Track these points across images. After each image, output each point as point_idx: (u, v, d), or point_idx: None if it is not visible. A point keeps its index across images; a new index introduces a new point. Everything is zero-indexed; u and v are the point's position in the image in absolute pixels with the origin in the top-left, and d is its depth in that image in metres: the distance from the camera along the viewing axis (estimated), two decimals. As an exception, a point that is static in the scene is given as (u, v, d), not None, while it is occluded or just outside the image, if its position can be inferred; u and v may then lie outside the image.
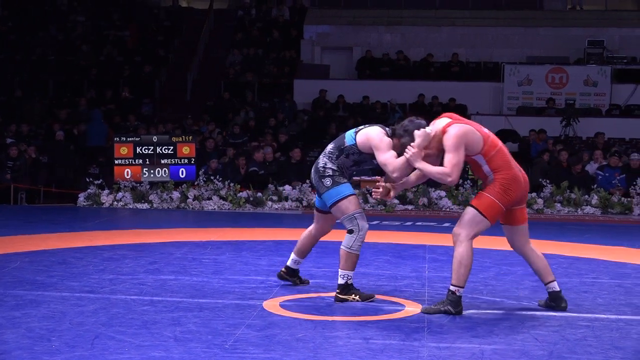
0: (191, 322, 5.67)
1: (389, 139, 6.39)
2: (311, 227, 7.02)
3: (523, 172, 6.19)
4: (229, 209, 14.28)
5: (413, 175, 6.45)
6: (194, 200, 14.52)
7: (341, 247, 6.46)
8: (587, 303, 6.63)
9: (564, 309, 6.19)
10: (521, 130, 19.43)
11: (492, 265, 8.52)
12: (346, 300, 6.43)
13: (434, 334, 5.50)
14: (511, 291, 7.07)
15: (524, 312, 6.21)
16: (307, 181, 14.50)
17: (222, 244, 9.74)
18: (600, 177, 15.40)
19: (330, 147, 6.66)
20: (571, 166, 15.79)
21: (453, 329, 5.63)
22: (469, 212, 6.08)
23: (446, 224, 12.46)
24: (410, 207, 14.34)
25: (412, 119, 6.43)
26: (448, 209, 14.44)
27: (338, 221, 6.67)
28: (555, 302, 6.26)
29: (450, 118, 6.21)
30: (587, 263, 8.82)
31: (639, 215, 14.11)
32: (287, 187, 14.66)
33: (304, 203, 14.37)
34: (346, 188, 6.48)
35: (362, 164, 6.63)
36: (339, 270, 6.47)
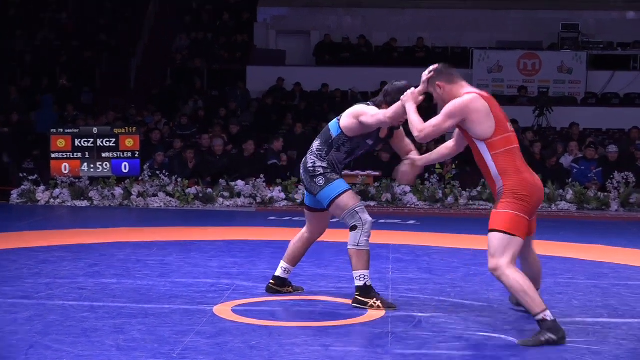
0: (135, 330, 5.63)
1: (373, 106, 6.47)
2: (303, 230, 6.92)
3: (538, 178, 5.83)
4: (176, 206, 14.22)
5: (434, 154, 6.55)
6: (138, 197, 14.43)
7: (348, 246, 6.43)
8: (562, 305, 6.69)
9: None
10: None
11: (460, 265, 8.56)
12: (366, 304, 6.37)
13: (399, 340, 5.51)
14: (481, 293, 7.11)
15: (494, 316, 6.25)
16: (262, 176, 14.49)
17: (169, 245, 9.69)
18: (575, 170, 15.54)
19: (316, 143, 6.65)
20: (545, 159, 15.92)
21: (419, 334, 5.65)
22: (493, 238, 5.67)
23: (411, 222, 12.50)
24: (372, 203, 14.35)
25: (390, 82, 6.49)
26: (413, 205, 14.48)
27: (337, 219, 6.63)
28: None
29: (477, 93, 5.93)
30: (562, 262, 8.89)
31: (616, 211, 14.26)
32: (240, 183, 14.62)
33: (258, 199, 14.35)
34: (341, 184, 6.50)
35: (356, 151, 6.65)
36: (353, 272, 6.44)
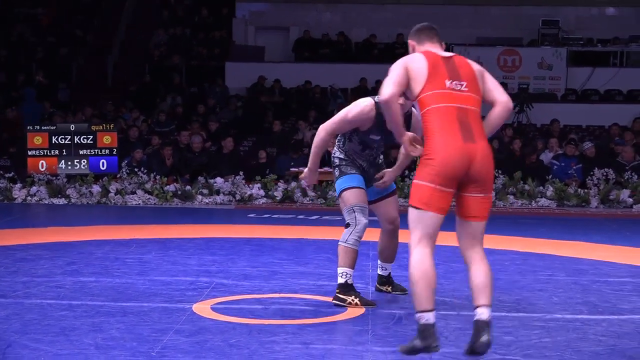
0: (114, 328, 5.63)
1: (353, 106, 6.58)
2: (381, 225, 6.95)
3: (463, 142, 4.92)
4: (154, 203, 14.19)
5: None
6: (116, 194, 14.39)
7: (338, 242, 6.50)
8: (542, 302, 6.73)
9: (479, 350, 4.94)
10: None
11: (440, 262, 8.56)
12: (344, 301, 6.42)
13: (379, 337, 5.54)
14: (461, 290, 7.14)
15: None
16: (241, 173, 14.48)
17: (148, 242, 9.68)
18: (555, 167, 15.61)
19: (339, 134, 6.74)
20: (525, 156, 15.99)
21: (399, 332, 5.67)
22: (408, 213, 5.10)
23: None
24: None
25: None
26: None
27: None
28: (474, 333, 4.99)
29: None
30: (542, 259, 8.94)
31: (596, 207, 14.34)
32: (219, 180, 14.60)
33: (237, 197, 14.35)
34: (350, 179, 6.53)
35: (369, 144, 6.62)
36: (338, 267, 6.50)
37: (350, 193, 6.49)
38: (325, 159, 10.21)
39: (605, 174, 14.67)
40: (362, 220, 6.45)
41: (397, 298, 6.81)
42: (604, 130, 19.33)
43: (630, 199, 14.37)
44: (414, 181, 4.99)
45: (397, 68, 5.20)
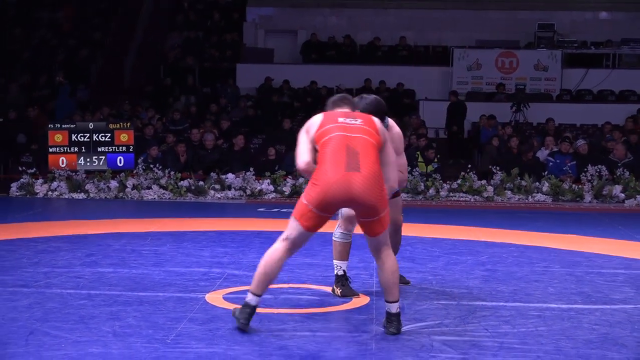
0: (131, 317, 5.63)
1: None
2: None
3: (345, 177, 5.18)
4: (169, 198, 14.20)
5: None
6: (132, 189, 14.40)
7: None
8: (538, 292, 6.72)
9: (392, 334, 5.30)
10: (471, 116, 19.59)
11: (441, 254, 8.58)
12: (333, 291, 6.51)
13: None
14: (461, 281, 7.13)
15: (474, 303, 6.27)
16: (251, 169, 14.48)
17: (163, 235, 9.68)
18: (551, 163, 15.58)
19: None
20: (522, 154, 15.96)
21: (402, 320, 5.66)
22: None
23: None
24: (357, 195, 14.35)
25: (360, 97, 6.41)
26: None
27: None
28: (386, 323, 5.41)
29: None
30: (538, 251, 8.93)
31: (589, 202, 14.31)
32: (230, 176, 14.61)
33: (247, 192, 14.34)
34: None
35: None
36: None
37: None
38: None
39: (598, 170, 14.65)
40: (349, 214, 6.40)
41: (401, 288, 6.77)
42: (597, 128, 19.29)
43: (622, 195, 14.35)
44: (301, 199, 5.35)
45: (300, 137, 5.50)
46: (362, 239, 9.36)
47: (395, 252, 6.81)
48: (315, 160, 5.38)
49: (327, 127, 5.38)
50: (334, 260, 6.51)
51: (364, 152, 5.27)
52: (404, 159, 6.50)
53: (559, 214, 13.13)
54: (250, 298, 5.34)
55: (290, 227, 5.37)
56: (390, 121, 6.52)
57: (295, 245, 5.41)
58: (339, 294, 6.41)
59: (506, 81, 21.97)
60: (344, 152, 5.25)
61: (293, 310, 5.98)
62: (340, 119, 5.42)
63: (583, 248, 9.21)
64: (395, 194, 6.64)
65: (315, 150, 5.40)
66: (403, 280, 6.93)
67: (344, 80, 21.26)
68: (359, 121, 5.43)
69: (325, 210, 5.26)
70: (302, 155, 5.43)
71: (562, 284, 7.12)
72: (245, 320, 5.29)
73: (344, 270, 6.47)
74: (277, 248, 5.39)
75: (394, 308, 5.34)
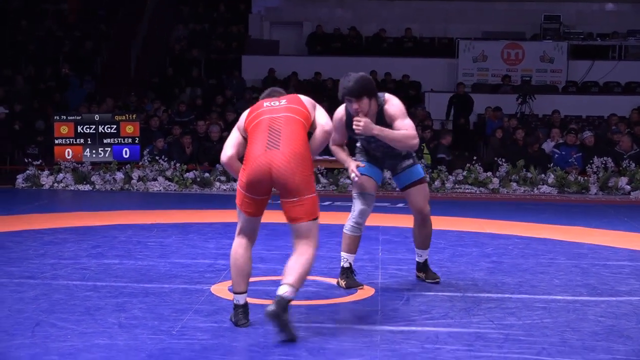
0: (136, 308, 5.64)
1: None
2: None
3: (265, 155, 5.14)
4: (175, 190, 14.21)
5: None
6: (138, 181, 14.41)
7: None
8: (543, 284, 6.72)
9: (266, 315, 5.01)
10: (476, 108, 19.57)
11: (446, 246, 8.58)
12: (338, 283, 6.52)
13: (388, 317, 5.53)
14: (466, 273, 7.13)
15: (479, 295, 6.27)
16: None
17: (168, 227, 9.69)
18: (556, 155, 15.56)
19: None
20: (527, 145, 15.94)
21: (407, 312, 5.67)
22: None
23: (400, 205, 12.50)
24: (362, 187, 14.35)
25: (346, 74, 6.29)
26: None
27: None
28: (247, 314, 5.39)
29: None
30: (544, 243, 8.92)
31: (595, 194, 14.29)
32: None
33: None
34: (361, 168, 6.43)
35: (369, 139, 6.45)
36: None
37: (356, 181, 6.46)
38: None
39: (604, 162, 14.63)
40: (358, 206, 6.43)
41: (407, 280, 6.79)
42: (603, 120, 19.26)
43: (628, 186, 14.32)
44: (238, 185, 5.31)
45: (232, 132, 5.52)
46: (368, 230, 9.37)
47: (426, 245, 6.68)
48: (242, 154, 5.36)
49: (254, 114, 5.38)
50: (342, 252, 6.51)
51: (287, 130, 5.21)
52: (408, 120, 6.24)
53: (565, 205, 13.12)
54: (236, 299, 5.31)
55: (239, 218, 5.35)
56: (386, 95, 6.39)
57: (249, 234, 5.38)
58: (344, 285, 6.42)
59: (512, 73, 21.94)
60: (267, 132, 5.22)
61: (298, 302, 5.97)
62: (266, 104, 5.44)
63: (589, 240, 9.20)
64: (421, 180, 6.46)
65: (245, 143, 5.38)
66: (432, 277, 6.74)
67: (349, 72, 21.20)
68: (283, 102, 5.42)
69: (255, 192, 5.21)
70: (226, 149, 5.43)
71: (567, 275, 7.11)
72: (244, 320, 5.28)
73: (350, 263, 6.46)
74: (236, 244, 5.37)
75: (284, 289, 5.01)
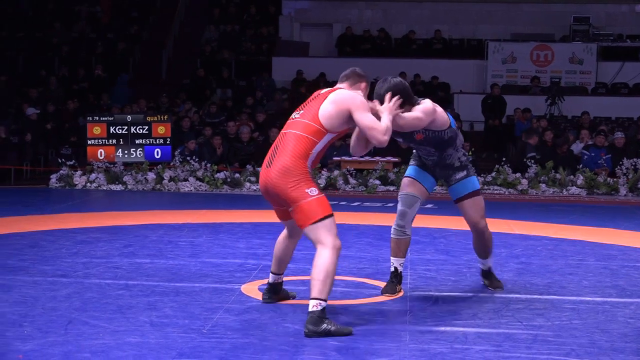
0: (167, 307, 5.66)
1: None
2: None
3: (265, 169, 5.40)
4: (205, 190, 14.26)
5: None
6: (169, 181, 14.48)
7: None
8: (572, 285, 6.68)
9: (305, 334, 5.06)
10: (506, 109, 19.49)
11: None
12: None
13: (417, 317, 5.52)
14: (496, 274, 7.09)
15: (508, 295, 6.24)
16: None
17: (199, 227, 9.72)
18: (585, 157, 15.47)
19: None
20: (557, 147, 15.86)
21: (436, 312, 5.66)
22: None
23: (428, 205, 12.48)
24: (392, 187, 14.35)
25: (385, 78, 6.14)
26: (431, 190, 14.46)
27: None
28: (271, 292, 5.87)
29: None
30: (573, 245, 8.87)
31: (624, 195, 14.19)
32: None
33: (283, 184, 14.37)
34: (407, 170, 6.48)
35: (412, 144, 6.40)
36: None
37: (402, 181, 6.42)
38: (372, 151, 10.15)
39: (633, 163, 14.53)
40: (398, 208, 6.34)
41: (435, 281, 6.77)
42: (633, 122, 19.12)
43: (658, 188, 14.22)
44: None
45: None
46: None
47: (485, 255, 6.48)
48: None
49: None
50: (391, 257, 6.34)
51: (284, 146, 5.36)
52: (410, 115, 5.95)
53: (594, 207, 13.04)
54: (270, 277, 5.87)
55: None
56: (423, 100, 6.18)
57: (289, 232, 5.83)
58: (382, 291, 6.34)
59: (541, 74, 21.82)
60: (272, 149, 5.46)
61: (328, 301, 5.97)
62: (294, 115, 5.58)
63: (618, 241, 9.14)
64: (475, 193, 6.27)
65: None
66: (496, 285, 6.54)
67: (379, 74, 21.07)
68: (299, 114, 5.51)
69: (272, 203, 5.57)
70: None
71: (596, 277, 7.07)
72: (266, 295, 5.86)
73: (395, 267, 6.36)
74: (280, 236, 5.93)
75: (311, 305, 5.09)
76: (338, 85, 5.72)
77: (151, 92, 20.71)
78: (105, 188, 14.46)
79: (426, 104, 6.10)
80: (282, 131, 5.50)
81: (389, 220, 10.57)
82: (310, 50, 23.57)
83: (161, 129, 15.27)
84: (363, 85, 5.79)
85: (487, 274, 6.59)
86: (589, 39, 22.46)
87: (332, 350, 4.72)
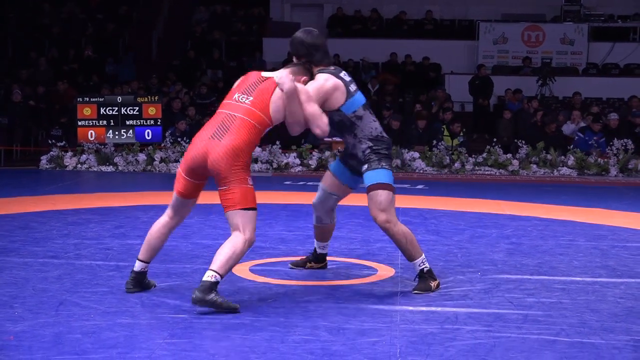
0: (158, 288, 5.67)
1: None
2: None
3: (199, 137, 5.40)
4: (196, 171, 14.22)
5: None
6: (160, 162, 14.46)
7: None
8: (562, 266, 6.70)
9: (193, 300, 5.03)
10: (496, 90, 19.48)
11: (466, 228, 8.57)
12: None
13: (408, 297, 5.54)
14: (486, 254, 7.12)
15: (498, 276, 6.26)
16: (277, 142, 14.49)
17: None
18: (576, 137, 15.50)
19: None
20: (544, 125, 15.87)
21: (427, 293, 5.66)
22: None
23: (419, 186, 12.50)
24: (383, 168, 14.35)
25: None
26: (421, 171, 14.49)
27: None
28: (136, 281, 5.58)
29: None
30: (563, 225, 8.89)
31: (615, 176, 14.23)
32: (257, 149, 14.63)
33: (274, 165, 14.36)
34: (331, 164, 6.35)
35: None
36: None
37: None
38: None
39: (624, 144, 14.56)
40: (314, 200, 6.22)
41: (427, 261, 6.77)
42: (624, 102, 19.14)
43: (648, 168, 14.26)
44: None
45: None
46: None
47: (410, 257, 5.79)
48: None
49: (223, 103, 5.56)
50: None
51: (237, 127, 5.30)
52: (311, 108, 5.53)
53: (584, 187, 13.07)
54: (136, 265, 5.56)
55: (173, 195, 5.60)
56: (319, 75, 5.78)
57: (175, 213, 5.64)
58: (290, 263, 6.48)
59: (532, 55, 21.83)
60: (218, 123, 5.34)
61: (318, 282, 5.99)
62: (236, 95, 5.53)
63: (608, 222, 9.17)
64: (375, 187, 5.67)
65: None
66: (421, 287, 5.74)
67: (370, 54, 21.19)
68: (249, 100, 5.45)
69: (189, 174, 5.50)
70: None
71: (586, 257, 7.09)
72: (130, 285, 5.54)
73: (314, 248, 6.39)
74: (161, 216, 5.65)
75: (207, 274, 5.03)
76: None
77: (141, 73, 20.64)
78: (95, 169, 14.44)
79: (318, 80, 5.71)
80: (230, 112, 5.37)
81: (380, 201, 10.58)
82: (301, 30, 23.50)
83: (152, 110, 15.25)
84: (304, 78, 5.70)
85: (419, 276, 5.80)
86: (580, 20, 22.45)
87: (323, 331, 4.73)
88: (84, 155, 14.70)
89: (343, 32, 23.03)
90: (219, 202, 5.34)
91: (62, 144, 14.97)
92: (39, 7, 23.26)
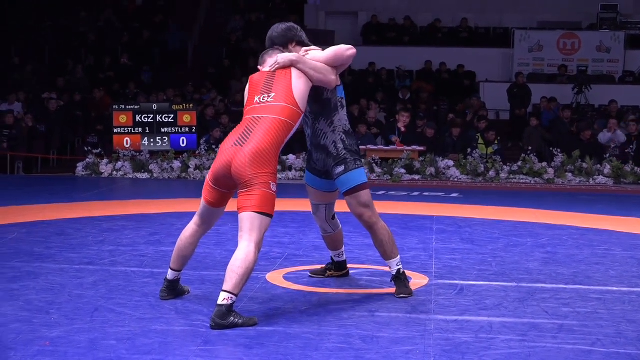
0: (193, 295, 5.69)
1: None
2: None
3: (240, 146, 5.21)
4: (231, 179, 14.26)
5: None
6: (195, 169, 14.52)
7: None
8: (598, 275, 6.64)
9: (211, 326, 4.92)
10: (532, 98, 19.39)
11: (501, 236, 8.52)
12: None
13: (442, 307, 5.51)
14: (521, 263, 7.07)
15: (533, 285, 6.21)
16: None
17: (224, 215, 9.70)
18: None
19: None
20: (579, 132, 15.77)
21: (461, 301, 5.64)
22: None
23: (454, 194, 12.46)
24: (417, 177, 14.32)
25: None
26: (456, 179, 14.44)
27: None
28: (170, 289, 5.60)
29: None
30: (599, 234, 8.82)
31: (652, 185, 14.11)
32: (291, 157, 14.65)
33: (308, 173, 14.38)
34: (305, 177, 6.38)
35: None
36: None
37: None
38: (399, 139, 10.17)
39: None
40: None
41: (460, 270, 6.75)
42: (661, 111, 19.00)
43: (686, 177, 14.13)
44: None
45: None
46: (421, 220, 9.34)
47: (388, 255, 5.82)
48: None
49: (245, 110, 5.53)
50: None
51: (260, 128, 5.26)
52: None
53: (621, 196, 12.96)
54: (168, 273, 5.59)
55: (200, 203, 5.56)
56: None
57: (203, 221, 5.62)
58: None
59: (568, 63, 21.70)
60: (242, 129, 5.32)
61: (352, 290, 5.98)
62: (256, 99, 5.46)
63: (645, 231, 9.08)
64: (357, 189, 5.72)
65: None
66: (402, 291, 5.75)
67: (404, 62, 21.17)
68: (272, 96, 5.41)
69: (216, 183, 5.36)
70: None
71: (623, 267, 7.02)
72: (164, 293, 5.57)
73: (331, 257, 6.40)
74: (187, 227, 5.65)
75: (221, 297, 4.96)
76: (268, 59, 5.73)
77: (177, 81, 20.75)
78: (131, 176, 14.52)
79: (341, 45, 5.88)
80: (254, 115, 5.35)
81: (414, 209, 10.58)
82: (336, 38, 23.46)
83: (187, 118, 15.32)
84: (293, 44, 5.94)
85: (395, 278, 5.82)
86: (616, 27, 22.29)
87: (357, 339, 4.72)
88: (119, 163, 14.80)
89: (378, 40, 23.03)
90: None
91: (98, 151, 15.08)
92: (76, 15, 23.45)
